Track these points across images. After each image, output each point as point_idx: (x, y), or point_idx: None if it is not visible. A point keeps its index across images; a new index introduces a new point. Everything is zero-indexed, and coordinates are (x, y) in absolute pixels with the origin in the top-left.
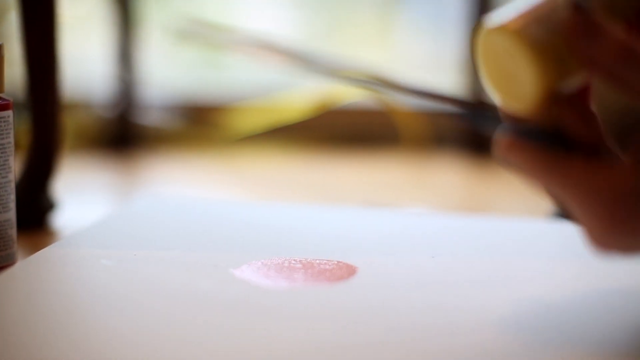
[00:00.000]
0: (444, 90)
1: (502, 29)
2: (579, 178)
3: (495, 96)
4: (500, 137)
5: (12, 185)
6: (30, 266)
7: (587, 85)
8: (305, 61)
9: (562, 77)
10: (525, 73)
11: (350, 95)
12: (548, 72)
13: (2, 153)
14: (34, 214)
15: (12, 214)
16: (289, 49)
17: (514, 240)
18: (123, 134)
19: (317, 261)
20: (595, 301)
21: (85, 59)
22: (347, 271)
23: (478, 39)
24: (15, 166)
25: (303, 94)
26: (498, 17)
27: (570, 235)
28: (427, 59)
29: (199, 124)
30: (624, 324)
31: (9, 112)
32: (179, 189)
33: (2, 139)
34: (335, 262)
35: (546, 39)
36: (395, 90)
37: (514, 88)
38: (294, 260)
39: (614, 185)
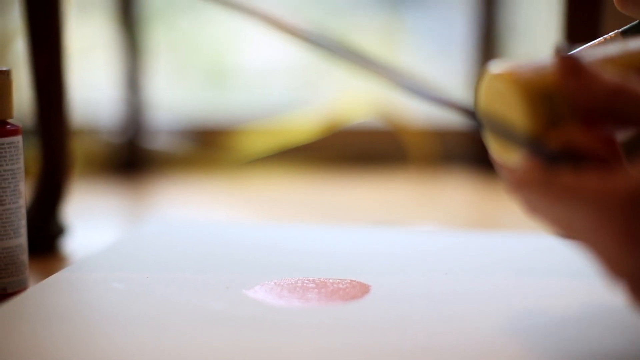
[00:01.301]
0: (451, 98)
1: (501, 75)
2: (590, 192)
3: (491, 145)
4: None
5: (23, 211)
6: (42, 291)
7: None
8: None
9: (554, 122)
10: (519, 117)
11: (357, 115)
12: (539, 117)
13: (12, 178)
14: (45, 239)
15: (23, 240)
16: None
17: (525, 255)
18: (132, 158)
19: (330, 280)
20: (605, 316)
21: (93, 84)
22: (360, 290)
23: (481, 84)
24: (25, 192)
25: (310, 115)
26: (498, 65)
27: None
28: (432, 81)
29: (207, 147)
30: (630, 339)
31: (19, 138)
32: (188, 212)
33: (12, 164)
34: (349, 281)
35: (538, 85)
36: (401, 85)
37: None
38: (307, 280)
39: (626, 197)
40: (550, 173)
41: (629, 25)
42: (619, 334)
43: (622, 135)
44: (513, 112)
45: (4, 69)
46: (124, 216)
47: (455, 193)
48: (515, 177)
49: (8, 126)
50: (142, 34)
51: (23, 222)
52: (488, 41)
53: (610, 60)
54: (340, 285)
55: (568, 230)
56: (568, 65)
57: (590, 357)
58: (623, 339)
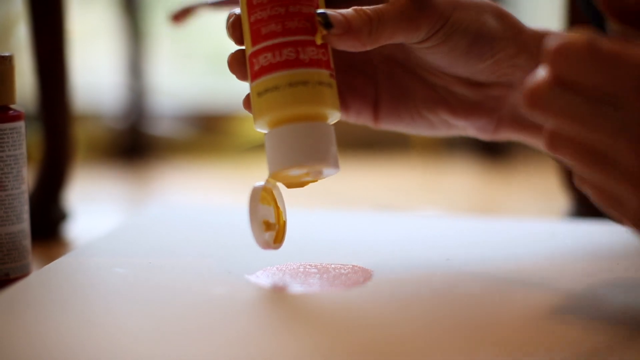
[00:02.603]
0: None
1: None
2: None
3: None
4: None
5: (26, 197)
6: (45, 276)
7: None
8: None
9: None
10: None
11: None
12: None
13: (14, 164)
14: (47, 225)
15: (26, 225)
16: None
17: (527, 240)
18: (134, 143)
19: (333, 265)
20: (610, 299)
21: (95, 70)
22: (362, 275)
23: None
24: (27, 177)
25: None
26: None
27: (584, 235)
28: None
29: (210, 133)
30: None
31: (21, 123)
32: (190, 197)
33: (15, 150)
34: (351, 266)
35: None
36: None
37: None
38: (309, 265)
39: None
40: (598, 38)
41: None
42: (620, 320)
43: None
44: None
45: (6, 54)
46: (126, 201)
47: (458, 178)
48: (566, 41)
49: (10, 112)
50: (144, 19)
51: (25, 208)
52: None
53: None
54: (343, 271)
55: (602, 101)
56: None
57: (595, 341)
58: (625, 322)
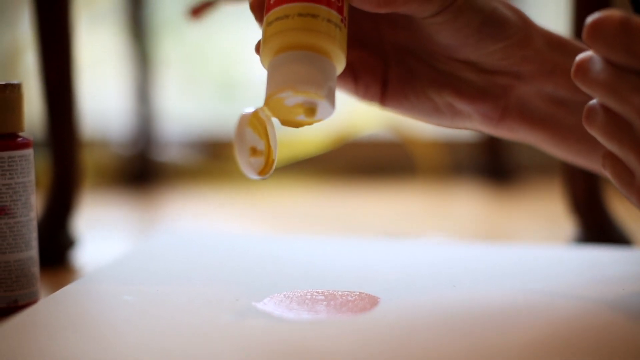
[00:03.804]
0: None
1: None
2: None
3: None
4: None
5: (34, 224)
6: (53, 303)
7: None
8: None
9: None
10: None
11: (367, 127)
12: None
13: (23, 191)
14: (55, 251)
15: (34, 252)
16: None
17: (534, 266)
18: (142, 170)
19: (340, 292)
20: (616, 324)
21: (103, 96)
22: (369, 302)
23: None
24: (36, 204)
25: (320, 127)
26: None
27: (590, 260)
28: None
29: (217, 159)
30: None
31: (30, 151)
32: (198, 224)
33: (23, 177)
34: (358, 293)
35: None
36: None
37: None
38: (316, 292)
39: None
40: (631, 16)
41: None
42: (626, 345)
43: None
44: None
45: (15, 82)
46: (134, 228)
47: (464, 204)
48: (601, 16)
49: (19, 139)
50: (151, 45)
51: (34, 235)
52: None
53: None
54: (350, 298)
55: (632, 73)
56: None
57: None
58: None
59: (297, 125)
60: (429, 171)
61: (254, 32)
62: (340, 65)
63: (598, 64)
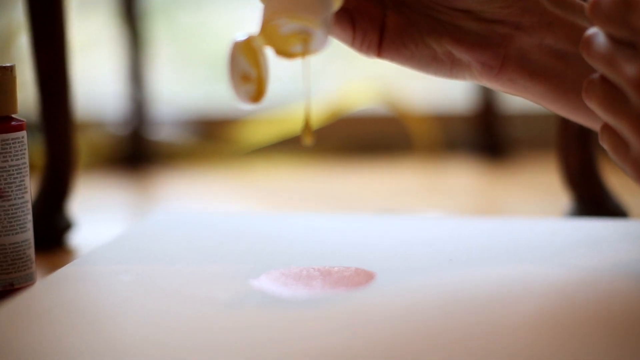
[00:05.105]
0: None
1: None
2: None
3: None
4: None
5: (29, 206)
6: (50, 285)
7: None
8: None
9: None
10: None
11: (361, 102)
12: None
13: (17, 174)
14: (51, 234)
15: (30, 235)
16: None
17: (529, 239)
18: (136, 151)
19: (335, 269)
20: (614, 295)
21: (96, 78)
22: (365, 277)
23: None
24: (30, 187)
25: (313, 104)
26: None
27: (586, 233)
28: None
29: (211, 139)
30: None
31: (23, 133)
32: (193, 204)
33: (17, 159)
34: (354, 269)
35: None
36: None
37: None
38: (312, 268)
39: None
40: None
41: None
42: (624, 316)
43: None
44: None
45: (8, 64)
46: (129, 209)
47: (459, 179)
48: None
49: (12, 122)
50: (144, 27)
51: (29, 217)
52: None
53: None
54: (345, 273)
55: (629, 45)
56: None
57: (600, 340)
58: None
59: (291, 56)
60: (424, 146)
61: (247, 12)
62: (338, 0)
63: (601, 37)
